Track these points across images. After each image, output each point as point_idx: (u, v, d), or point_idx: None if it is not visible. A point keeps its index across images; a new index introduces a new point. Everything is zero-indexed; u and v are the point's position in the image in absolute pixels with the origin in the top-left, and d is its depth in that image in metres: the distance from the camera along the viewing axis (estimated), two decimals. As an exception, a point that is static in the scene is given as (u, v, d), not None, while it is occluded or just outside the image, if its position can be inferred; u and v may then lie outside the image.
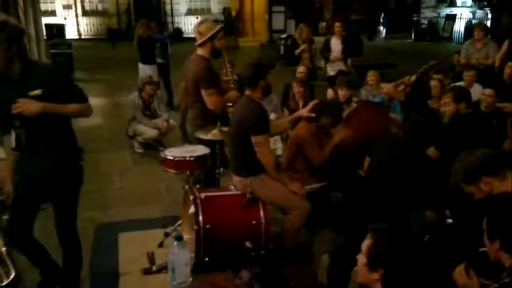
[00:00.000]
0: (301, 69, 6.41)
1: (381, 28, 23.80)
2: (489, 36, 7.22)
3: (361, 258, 1.87)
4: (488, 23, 16.62)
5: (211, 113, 3.89)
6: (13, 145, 2.56)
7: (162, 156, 3.77)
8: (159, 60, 8.41)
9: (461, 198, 2.42)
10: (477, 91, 5.72)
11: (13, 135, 2.54)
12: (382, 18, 24.17)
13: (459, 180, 2.32)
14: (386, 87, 4.72)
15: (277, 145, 5.46)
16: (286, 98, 6.02)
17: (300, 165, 4.08)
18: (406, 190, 3.01)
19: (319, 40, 8.80)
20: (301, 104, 5.60)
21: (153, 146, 6.28)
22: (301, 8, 23.79)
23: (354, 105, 5.38)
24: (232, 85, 4.17)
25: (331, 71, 7.68)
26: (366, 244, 1.86)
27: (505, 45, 6.63)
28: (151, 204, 4.72)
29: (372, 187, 3.20)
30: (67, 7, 23.59)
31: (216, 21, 21.30)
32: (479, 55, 6.62)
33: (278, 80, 5.54)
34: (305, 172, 4.05)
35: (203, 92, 3.84)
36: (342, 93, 5.63)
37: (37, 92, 2.52)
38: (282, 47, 14.88)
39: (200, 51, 3.94)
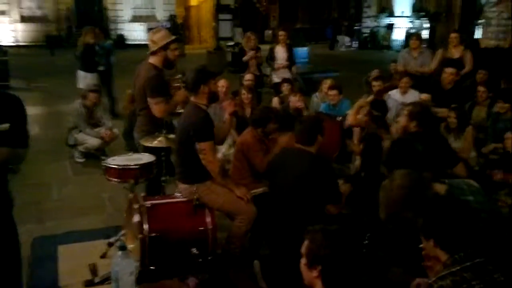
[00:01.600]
0: (248, 76, 6.47)
1: (345, 37, 24.10)
2: (424, 45, 7.64)
3: (302, 260, 1.97)
4: (425, 32, 17.57)
5: (158, 120, 3.86)
6: None
7: (105, 165, 3.66)
8: (100, 68, 8.19)
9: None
10: (412, 97, 6.02)
11: None
12: (329, 28, 24.79)
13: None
14: (349, 119, 4.64)
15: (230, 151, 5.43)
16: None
17: (246, 170, 4.09)
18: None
19: (265, 48, 8.92)
20: (248, 111, 5.63)
21: (94, 156, 6.06)
22: (247, 17, 24.09)
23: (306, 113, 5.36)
24: (176, 86, 4.15)
25: (276, 78, 7.79)
26: (304, 245, 1.97)
27: (439, 53, 7.02)
28: (93, 215, 4.56)
29: (281, 197, 3.34)
30: (1, 13, 22.49)
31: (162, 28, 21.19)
32: (416, 62, 6.96)
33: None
34: (250, 177, 4.07)
35: (149, 100, 3.83)
36: (294, 99, 5.65)
37: (5, 126, 2.13)
38: (229, 55, 14.96)
39: (152, 60, 3.94)
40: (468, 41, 7.54)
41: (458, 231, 1.83)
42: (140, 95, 3.93)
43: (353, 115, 4.55)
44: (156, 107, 3.81)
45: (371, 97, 4.81)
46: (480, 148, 5.09)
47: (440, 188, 2.38)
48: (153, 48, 3.90)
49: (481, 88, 5.79)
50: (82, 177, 5.65)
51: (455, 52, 6.82)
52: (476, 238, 1.83)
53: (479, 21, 6.99)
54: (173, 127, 3.88)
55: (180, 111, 3.84)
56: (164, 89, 3.92)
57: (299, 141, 3.41)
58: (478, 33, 10.23)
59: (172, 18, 22.41)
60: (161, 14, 23.98)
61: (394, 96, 5.96)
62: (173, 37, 3.98)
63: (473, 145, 4.86)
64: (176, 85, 4.12)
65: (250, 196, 3.51)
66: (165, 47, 3.89)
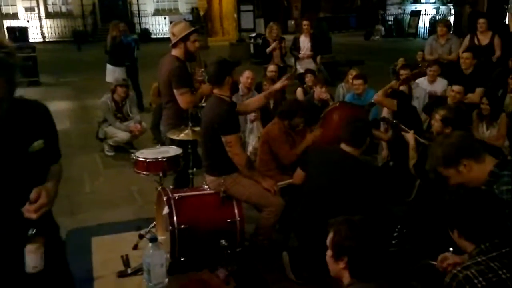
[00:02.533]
0: (271, 67, 6.46)
1: (381, 27, 23.37)
2: (451, 32, 7.45)
3: (328, 252, 1.98)
4: (451, 19, 17.11)
5: (184, 113, 3.88)
6: (30, 269, 1.67)
7: (134, 158, 3.73)
8: (127, 63, 8.32)
9: (437, 183, 2.45)
10: (440, 85, 5.90)
11: (29, 254, 1.66)
12: (352, 16, 24.17)
13: (438, 164, 2.29)
14: (377, 95, 4.67)
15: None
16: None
17: (272, 162, 4.11)
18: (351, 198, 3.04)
19: (289, 38, 8.87)
20: (272, 103, 5.63)
21: (124, 149, 6.20)
22: (269, 7, 23.94)
23: (331, 104, 5.32)
24: (199, 79, 4.19)
25: (300, 69, 7.76)
26: (329, 237, 1.98)
27: (466, 40, 6.85)
28: (124, 207, 4.67)
29: (314, 197, 3.25)
30: (29, 9, 22.99)
31: (184, 20, 21.26)
32: (443, 50, 6.81)
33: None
34: (276, 169, 4.09)
35: (175, 91, 3.85)
36: (319, 90, 5.62)
37: (39, 143, 1.74)
38: (252, 46, 14.93)
39: (174, 52, 3.97)
40: (497, 26, 7.30)
41: (481, 221, 1.81)
42: (165, 88, 3.97)
43: (382, 93, 4.61)
44: (182, 98, 3.84)
45: (399, 82, 4.84)
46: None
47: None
48: (174, 40, 3.93)
49: (512, 76, 5.61)
50: (112, 170, 5.78)
51: (484, 38, 6.63)
52: (501, 228, 1.81)
53: (509, 4, 6.72)
54: (199, 120, 3.91)
55: (203, 104, 3.88)
56: (188, 80, 3.95)
57: (345, 141, 3.25)
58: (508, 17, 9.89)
59: (194, 10, 22.45)
60: (183, 7, 24.09)
61: (422, 84, 5.86)
62: (192, 28, 3.99)
63: (506, 134, 4.74)
64: (200, 78, 4.16)
65: (277, 188, 3.53)
66: (184, 39, 3.90)
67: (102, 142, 6.31)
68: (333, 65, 11.08)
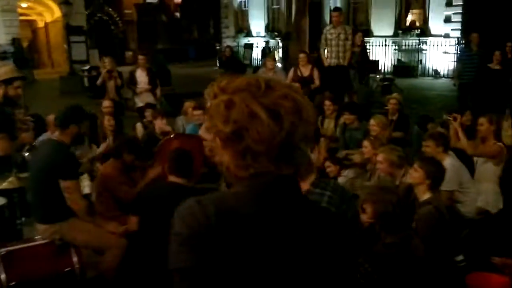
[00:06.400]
0: (106, 103, 6.19)
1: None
2: (279, 64, 8.25)
3: None
4: (280, 51, 18.85)
5: (2, 159, 3.55)
6: None
7: None
8: None
9: None
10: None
11: None
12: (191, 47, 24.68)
13: None
14: (201, 132, 4.73)
15: (84, 182, 5.16)
16: (93, 133, 5.76)
17: (112, 203, 3.95)
18: None
19: (126, 70, 8.73)
20: (111, 138, 5.45)
21: None
22: (103, 38, 23.21)
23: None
24: (24, 128, 3.90)
25: (139, 102, 7.67)
26: None
27: (291, 72, 7.65)
28: None
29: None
30: None
31: (4, 53, 19.20)
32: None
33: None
34: (117, 210, 3.93)
35: None
36: (160, 123, 5.59)
37: None
38: (86, 79, 14.18)
39: None
40: (316, 60, 8.32)
41: None
42: None
43: (204, 128, 4.77)
44: None
45: None
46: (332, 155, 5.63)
47: None
48: None
49: (327, 103, 6.40)
50: None
51: (305, 71, 7.50)
52: None
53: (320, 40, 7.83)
54: (26, 166, 3.59)
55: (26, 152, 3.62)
56: (6, 125, 3.64)
57: (172, 173, 3.26)
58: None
59: (15, 41, 20.41)
60: (2, 37, 21.73)
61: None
62: (17, 75, 3.78)
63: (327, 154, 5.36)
64: (24, 126, 3.88)
65: (122, 230, 3.41)
66: (6, 82, 3.66)
67: None
68: (174, 97, 11.19)
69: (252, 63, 23.29)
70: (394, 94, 6.91)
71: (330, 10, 16.54)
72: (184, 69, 22.31)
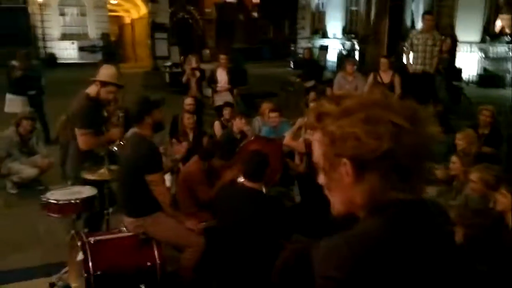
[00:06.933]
0: (189, 100, 6.40)
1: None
2: (355, 66, 8.04)
3: None
4: (356, 54, 18.43)
5: (89, 153, 3.79)
6: None
7: (44, 200, 3.48)
8: (31, 92, 7.78)
9: None
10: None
11: None
12: (265, 48, 24.86)
13: None
14: (285, 139, 4.72)
15: (166, 176, 5.35)
16: (174, 129, 5.96)
17: (191, 201, 4.06)
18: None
19: (204, 67, 8.95)
20: (191, 135, 5.60)
21: (28, 186, 5.74)
22: (183, 35, 24.00)
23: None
24: (115, 122, 4.09)
25: (219, 100, 7.83)
26: None
27: (371, 77, 7.43)
28: (31, 251, 4.29)
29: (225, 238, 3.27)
30: None
31: (94, 47, 20.45)
32: (350, 86, 7.31)
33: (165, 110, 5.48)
34: (195, 207, 4.04)
35: (76, 130, 3.76)
36: (239, 122, 5.61)
37: None
38: (167, 75, 14.77)
39: (88, 89, 3.88)
40: (397, 66, 8.04)
41: None
42: (72, 125, 3.89)
43: (290, 135, 4.69)
44: (81, 139, 3.75)
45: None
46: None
47: None
48: (95, 78, 3.85)
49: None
50: (16, 210, 5.31)
51: (385, 77, 7.25)
52: None
53: (405, 45, 7.51)
54: (115, 158, 3.77)
55: (115, 147, 3.80)
56: (95, 121, 3.83)
57: (246, 177, 3.28)
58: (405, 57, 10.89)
59: (104, 36, 21.73)
60: (93, 32, 23.24)
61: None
62: (114, 81, 3.88)
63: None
64: (116, 122, 4.07)
65: (200, 228, 3.49)
66: (103, 84, 3.82)
67: (4, 179, 5.80)
68: (249, 97, 11.31)
69: (326, 65, 22.99)
70: (489, 106, 6.42)
71: (412, 13, 15.88)
72: (259, 69, 22.48)
